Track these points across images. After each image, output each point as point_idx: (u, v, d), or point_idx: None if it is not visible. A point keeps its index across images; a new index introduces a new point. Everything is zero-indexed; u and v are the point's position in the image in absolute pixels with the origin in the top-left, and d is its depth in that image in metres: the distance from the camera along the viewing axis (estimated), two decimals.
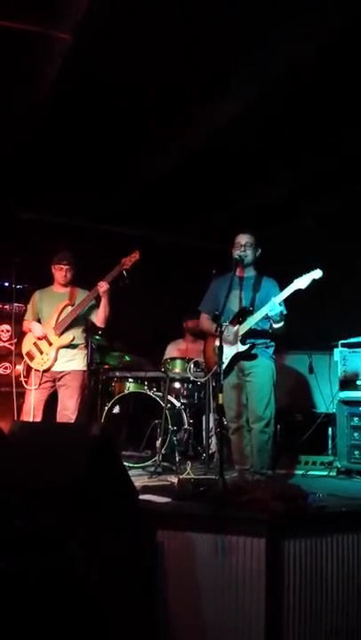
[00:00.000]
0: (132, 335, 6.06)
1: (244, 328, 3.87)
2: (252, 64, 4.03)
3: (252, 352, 3.88)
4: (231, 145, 5.15)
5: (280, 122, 4.81)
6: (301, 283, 3.70)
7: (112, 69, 4.13)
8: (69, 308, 4.41)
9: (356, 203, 5.93)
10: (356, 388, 4.45)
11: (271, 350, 3.99)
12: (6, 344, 5.37)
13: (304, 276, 3.69)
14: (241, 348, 3.87)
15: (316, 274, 3.68)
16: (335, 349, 4.69)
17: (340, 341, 4.67)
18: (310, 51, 3.86)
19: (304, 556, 2.79)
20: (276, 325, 3.83)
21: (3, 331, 5.65)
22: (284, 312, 3.83)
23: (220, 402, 3.38)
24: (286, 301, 3.89)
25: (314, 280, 3.67)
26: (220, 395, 3.38)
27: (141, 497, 3.13)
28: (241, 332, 3.87)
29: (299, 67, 4.02)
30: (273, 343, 4.01)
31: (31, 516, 2.41)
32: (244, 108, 4.55)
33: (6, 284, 5.41)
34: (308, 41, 3.78)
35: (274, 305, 3.70)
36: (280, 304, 3.73)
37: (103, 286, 4.34)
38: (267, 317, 3.79)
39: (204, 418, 5.26)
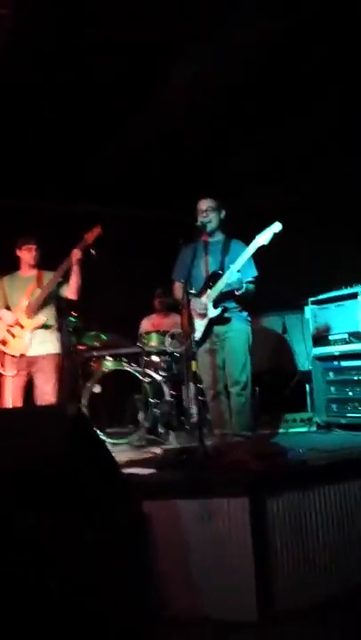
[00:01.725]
0: (105, 313, 6.05)
1: (214, 292, 3.86)
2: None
3: (226, 316, 3.89)
4: (193, 119, 5.09)
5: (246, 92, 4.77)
6: (263, 238, 3.70)
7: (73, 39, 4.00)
8: (38, 291, 4.38)
9: (326, 161, 5.91)
10: (328, 343, 4.52)
11: (245, 314, 4.00)
12: None
13: (264, 231, 3.69)
14: (213, 312, 3.87)
15: (276, 227, 3.67)
16: (306, 307, 4.74)
17: (310, 299, 4.71)
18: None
19: (288, 511, 2.84)
20: (237, 293, 3.82)
21: None
22: (249, 277, 3.84)
23: (194, 369, 3.40)
24: (256, 262, 3.90)
25: (275, 234, 3.67)
26: (194, 362, 3.41)
27: (125, 470, 3.16)
28: (211, 298, 3.87)
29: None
30: (245, 306, 4.01)
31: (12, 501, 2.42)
32: (208, 79, 4.50)
33: None
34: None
35: (232, 272, 3.71)
36: (239, 271, 3.72)
37: (77, 254, 4.30)
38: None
39: (183, 388, 5.30)
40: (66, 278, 4.41)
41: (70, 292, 4.42)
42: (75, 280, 4.38)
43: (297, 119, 5.20)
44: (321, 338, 4.58)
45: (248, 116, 5.13)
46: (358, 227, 5.47)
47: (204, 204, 4.00)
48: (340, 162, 5.62)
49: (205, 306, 3.87)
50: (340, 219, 5.58)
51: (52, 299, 4.44)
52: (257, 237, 3.73)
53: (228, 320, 3.90)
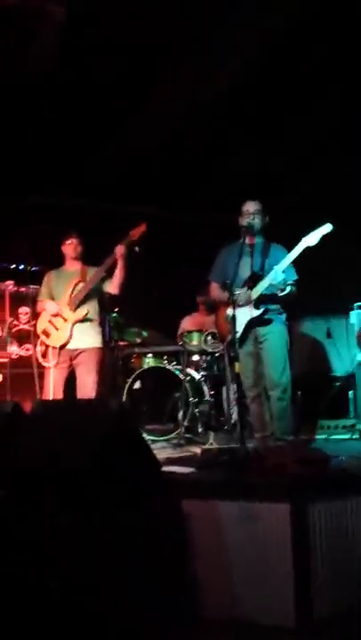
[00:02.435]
0: (147, 311, 6.08)
1: (255, 293, 3.84)
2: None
3: (266, 317, 3.85)
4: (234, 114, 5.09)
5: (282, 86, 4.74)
6: (311, 239, 3.65)
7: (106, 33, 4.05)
8: (81, 285, 4.44)
9: None
10: None
11: (284, 317, 3.96)
12: (26, 326, 5.43)
13: (313, 233, 3.64)
14: (255, 312, 3.84)
15: (326, 228, 3.61)
16: (351, 312, 4.66)
17: (356, 304, 4.62)
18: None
19: (328, 518, 2.80)
20: (281, 294, 3.78)
21: (22, 313, 5.72)
22: (290, 280, 3.80)
23: (237, 370, 3.38)
24: (298, 266, 3.86)
25: (324, 236, 3.61)
26: (237, 364, 3.39)
27: (165, 468, 3.16)
28: (253, 297, 3.84)
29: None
30: (285, 310, 3.96)
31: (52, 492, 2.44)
32: (244, 73, 4.50)
33: (21, 267, 5.45)
34: None
35: (276, 273, 3.68)
36: (283, 271, 3.68)
37: (121, 250, 4.36)
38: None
39: (224, 388, 5.28)
40: (109, 274, 4.45)
41: (113, 287, 4.47)
42: (118, 275, 4.42)
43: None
44: None
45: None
46: None
47: (252, 207, 3.99)
48: None
49: (250, 298, 3.84)
50: None
51: (95, 293, 4.49)
52: (303, 239, 3.68)
53: (268, 321, 3.87)
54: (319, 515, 2.78)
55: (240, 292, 3.80)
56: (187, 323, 6.12)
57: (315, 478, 2.89)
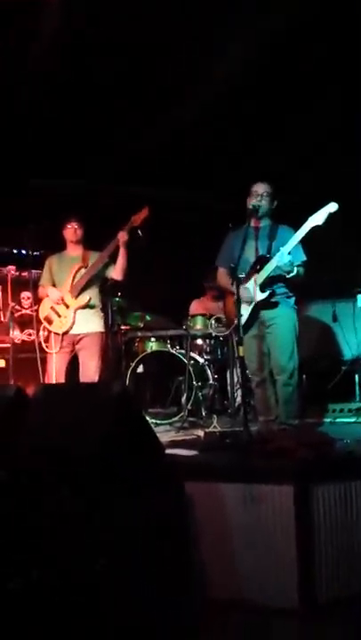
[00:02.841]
0: (152, 295, 6.05)
1: (261, 276, 3.78)
2: None
3: (273, 300, 3.80)
4: (244, 101, 5.05)
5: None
6: (317, 219, 3.57)
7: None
8: (83, 271, 4.41)
9: None
10: None
11: (293, 300, 3.90)
12: (28, 311, 5.41)
13: (319, 212, 3.56)
14: (260, 296, 3.78)
15: (332, 207, 3.53)
16: (358, 295, 4.61)
17: None
18: None
19: (333, 501, 2.78)
20: (288, 276, 3.72)
21: (24, 298, 5.71)
22: (298, 261, 3.74)
23: (242, 354, 3.35)
24: (306, 247, 3.80)
25: (330, 214, 3.54)
26: (241, 347, 3.35)
27: (168, 451, 3.14)
28: (259, 281, 3.78)
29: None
30: (293, 293, 3.91)
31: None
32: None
33: (23, 252, 5.42)
34: None
35: (282, 254, 3.61)
36: (290, 253, 3.62)
37: (123, 236, 4.31)
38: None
39: (228, 372, 5.26)
40: (112, 259, 4.41)
41: (116, 273, 4.43)
42: (121, 262, 4.38)
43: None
44: None
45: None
46: None
47: (261, 188, 3.91)
48: None
49: (251, 292, 3.79)
50: None
51: (98, 279, 4.45)
52: (310, 218, 3.61)
53: (275, 305, 3.81)
54: (323, 497, 2.76)
55: (243, 289, 3.73)
56: (195, 306, 6.10)
57: (319, 461, 2.87)
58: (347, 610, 2.58)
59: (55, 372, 4.28)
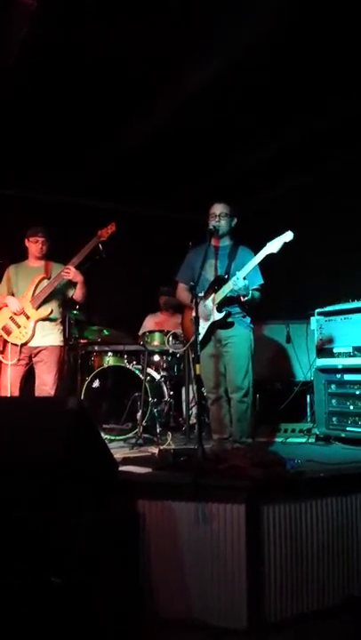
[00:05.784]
0: (109, 309, 6.04)
1: (219, 296, 3.84)
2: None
3: (229, 320, 3.87)
4: (203, 116, 5.13)
5: (254, 92, 4.80)
6: (273, 247, 3.66)
7: (82, 37, 4.05)
8: (45, 282, 4.37)
9: (330, 174, 5.95)
10: (332, 355, 4.49)
11: (248, 320, 3.98)
12: None
13: (275, 240, 3.66)
14: (217, 316, 3.85)
15: (287, 236, 3.63)
16: (311, 318, 4.71)
17: (317, 310, 4.69)
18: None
19: (283, 520, 2.83)
20: (243, 299, 3.80)
21: None
22: (255, 285, 3.82)
23: (198, 372, 3.38)
24: (262, 270, 3.89)
25: (285, 243, 3.64)
26: (198, 365, 3.38)
27: (122, 468, 3.14)
28: (217, 301, 3.84)
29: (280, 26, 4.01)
30: (248, 313, 3.99)
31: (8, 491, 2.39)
32: (217, 77, 4.53)
33: None
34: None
35: (238, 279, 3.68)
36: (245, 278, 3.70)
37: (69, 273, 4.32)
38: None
39: (183, 389, 5.29)
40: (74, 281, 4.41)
41: (76, 296, 4.48)
42: (79, 288, 4.42)
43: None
44: (325, 349, 4.55)
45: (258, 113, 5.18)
46: None
47: (218, 209, 3.98)
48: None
49: (210, 308, 3.86)
50: (355, 229, 5.59)
51: (59, 293, 4.42)
52: (267, 245, 3.70)
53: (231, 324, 3.88)
54: (274, 517, 2.80)
55: (202, 305, 3.81)
56: (149, 322, 6.11)
57: (270, 481, 2.91)
58: (293, 630, 2.61)
59: (10, 385, 4.21)
